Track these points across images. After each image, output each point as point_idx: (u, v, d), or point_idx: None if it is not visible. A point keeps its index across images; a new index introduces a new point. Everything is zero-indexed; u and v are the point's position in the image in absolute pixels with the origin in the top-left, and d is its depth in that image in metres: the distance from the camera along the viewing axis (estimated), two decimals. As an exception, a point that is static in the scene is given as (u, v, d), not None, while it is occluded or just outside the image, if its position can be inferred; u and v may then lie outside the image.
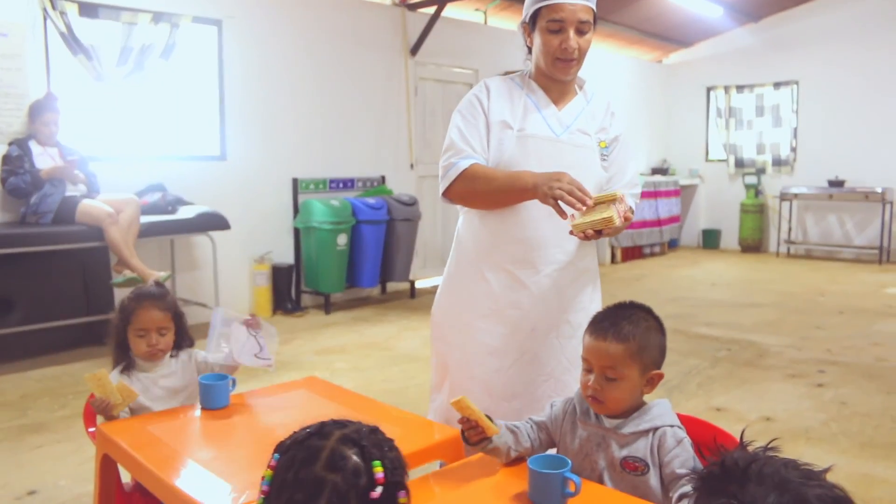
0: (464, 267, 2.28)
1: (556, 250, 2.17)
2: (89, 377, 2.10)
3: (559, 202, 1.91)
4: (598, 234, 1.94)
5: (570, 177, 1.93)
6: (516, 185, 2.03)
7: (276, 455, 1.11)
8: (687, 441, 1.62)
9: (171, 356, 2.36)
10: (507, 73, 2.33)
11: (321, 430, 1.11)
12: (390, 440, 1.15)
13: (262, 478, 1.11)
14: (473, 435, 1.69)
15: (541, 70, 2.20)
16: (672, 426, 1.63)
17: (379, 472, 1.08)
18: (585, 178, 2.02)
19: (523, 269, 2.17)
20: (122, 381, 2.19)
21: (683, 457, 1.58)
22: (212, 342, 2.34)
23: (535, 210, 2.11)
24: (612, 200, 1.93)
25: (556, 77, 2.17)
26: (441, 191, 2.20)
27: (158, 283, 2.47)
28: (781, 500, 0.96)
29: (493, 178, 2.10)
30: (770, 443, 1.09)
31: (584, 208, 1.90)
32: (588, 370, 1.69)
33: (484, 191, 2.12)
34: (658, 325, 1.73)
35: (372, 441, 1.11)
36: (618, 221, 1.90)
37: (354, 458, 1.07)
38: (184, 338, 2.40)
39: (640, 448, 1.62)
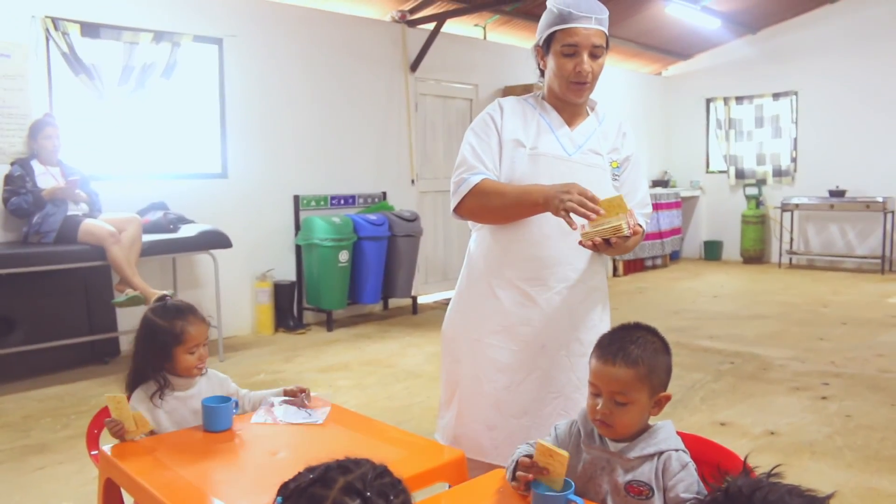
0: (475, 283, 2.30)
1: (567, 268, 2.19)
2: (110, 398, 2.11)
3: (570, 214, 1.93)
4: (607, 244, 1.94)
5: (579, 187, 1.94)
6: (527, 199, 2.05)
7: (280, 499, 1.09)
8: (691, 465, 1.61)
9: (203, 374, 2.34)
10: (506, 88, 2.36)
11: (324, 477, 1.08)
12: (397, 482, 1.12)
13: None
14: (530, 475, 1.61)
15: (553, 92, 2.23)
16: (677, 450, 1.62)
17: None
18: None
19: (534, 287, 2.18)
20: (140, 411, 2.15)
21: (688, 481, 1.57)
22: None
23: (546, 227, 2.13)
24: (619, 206, 1.93)
25: (568, 99, 2.21)
26: (452, 207, 2.23)
27: (162, 298, 2.42)
28: None
29: (503, 193, 2.12)
30: (774, 468, 1.09)
31: (595, 217, 1.91)
32: (596, 394, 1.67)
33: (495, 206, 2.14)
34: (664, 346, 1.72)
35: (377, 489, 1.07)
36: (626, 231, 1.90)
37: None
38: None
39: (645, 472, 1.61)
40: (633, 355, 1.64)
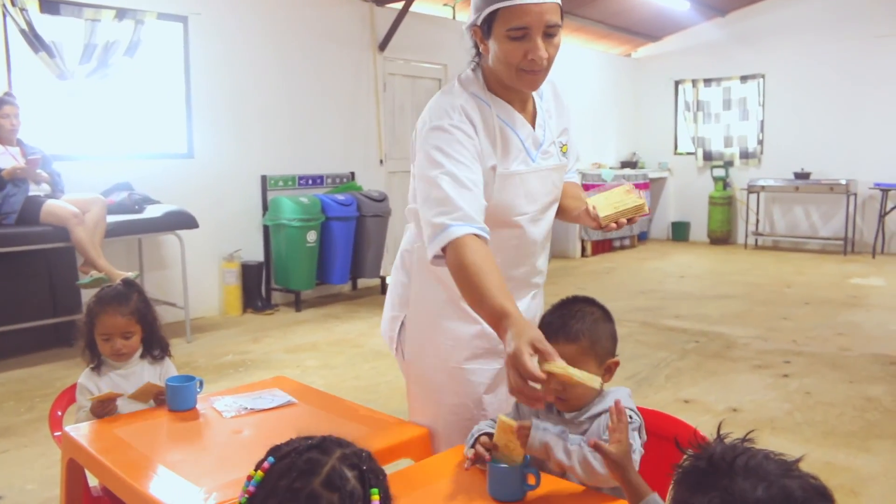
0: (443, 308, 2.01)
1: (537, 277, 2.11)
2: (94, 399, 2.21)
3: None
4: (629, 222, 1.86)
5: (517, 379, 1.50)
6: (493, 314, 1.64)
7: (271, 458, 1.08)
8: (637, 422, 1.63)
9: (142, 357, 2.35)
10: (462, 76, 1.95)
11: (322, 445, 1.08)
12: (381, 470, 1.12)
13: (249, 477, 1.07)
14: (488, 456, 1.63)
15: (499, 80, 1.86)
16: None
17: (376, 499, 1.05)
18: (556, 194, 2.00)
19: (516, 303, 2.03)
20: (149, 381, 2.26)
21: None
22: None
23: (522, 248, 1.98)
24: (626, 198, 1.82)
25: (520, 90, 1.87)
26: (430, 255, 1.76)
27: (128, 282, 2.43)
28: (769, 493, 0.98)
29: (476, 284, 1.66)
30: (748, 434, 1.11)
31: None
32: None
33: (462, 286, 1.72)
34: (604, 314, 1.75)
35: (370, 467, 1.08)
36: (645, 208, 1.83)
37: (354, 480, 1.04)
38: (154, 339, 2.38)
39: (594, 432, 1.65)
40: (574, 331, 1.68)
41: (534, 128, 1.95)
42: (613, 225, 1.84)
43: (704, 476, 1.04)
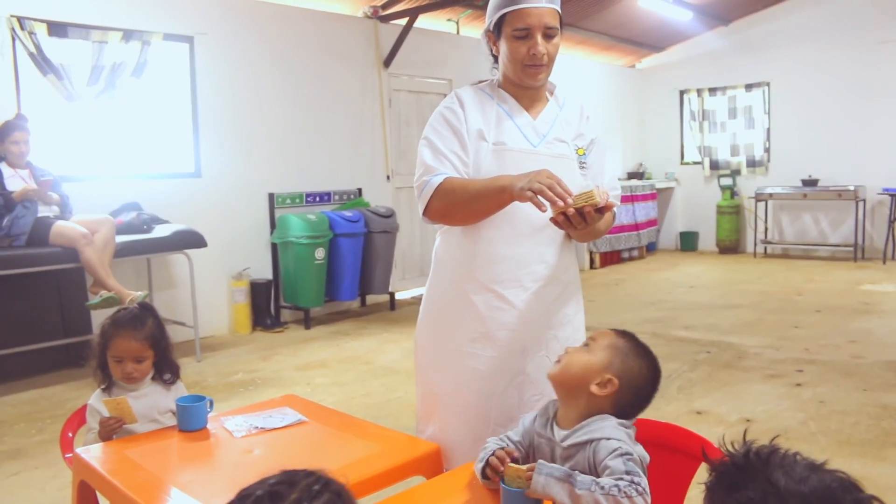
0: (446, 290, 2.18)
1: (541, 265, 2.10)
2: (108, 401, 2.21)
3: (538, 197, 1.79)
4: (582, 217, 1.81)
5: (549, 172, 1.84)
6: (493, 186, 1.94)
7: None
8: (632, 454, 1.53)
9: (153, 379, 2.35)
10: (479, 83, 2.23)
11: (272, 497, 1.00)
12: (336, 498, 1.02)
13: None
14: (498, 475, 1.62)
15: (509, 78, 2.14)
16: (608, 438, 1.56)
17: None
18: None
19: (509, 289, 2.08)
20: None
21: (613, 467, 1.51)
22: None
23: (517, 225, 2.06)
24: (589, 197, 1.80)
25: (525, 84, 2.11)
26: (420, 211, 2.10)
27: (144, 306, 2.42)
28: (810, 486, 1.01)
29: (469, 186, 2.01)
30: (774, 438, 1.12)
31: (562, 203, 1.78)
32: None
33: (462, 201, 2.01)
34: (638, 351, 1.72)
35: None
36: (598, 199, 1.78)
37: None
38: (166, 364, 2.37)
39: (581, 461, 1.58)
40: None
41: (535, 120, 2.16)
42: (561, 217, 1.80)
43: (742, 473, 1.05)
